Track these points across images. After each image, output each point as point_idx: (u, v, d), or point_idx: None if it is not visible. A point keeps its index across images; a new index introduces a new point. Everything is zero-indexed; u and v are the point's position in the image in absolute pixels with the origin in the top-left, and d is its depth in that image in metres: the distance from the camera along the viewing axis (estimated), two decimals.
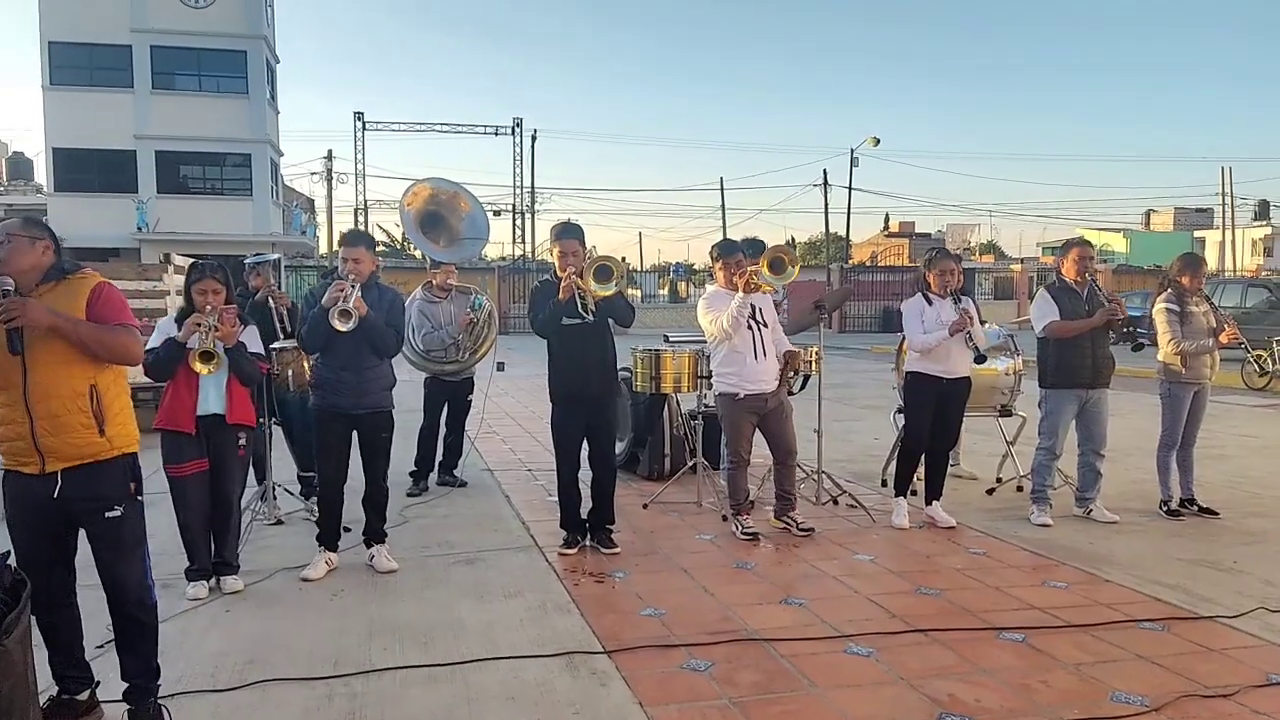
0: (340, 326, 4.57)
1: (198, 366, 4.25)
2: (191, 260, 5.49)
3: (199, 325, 4.29)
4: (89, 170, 30.06)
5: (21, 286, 2.91)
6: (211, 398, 4.52)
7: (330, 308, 4.60)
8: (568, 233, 5.32)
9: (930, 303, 5.84)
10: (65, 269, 3.03)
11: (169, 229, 29.19)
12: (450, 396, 7.07)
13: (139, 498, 3.17)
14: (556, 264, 5.24)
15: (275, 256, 6.56)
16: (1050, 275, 6.46)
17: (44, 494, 2.97)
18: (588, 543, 5.42)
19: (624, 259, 5.38)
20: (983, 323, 7.29)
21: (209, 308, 4.37)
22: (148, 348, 4.45)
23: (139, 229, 29.19)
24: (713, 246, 5.91)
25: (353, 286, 4.64)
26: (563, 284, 5.09)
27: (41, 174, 33.56)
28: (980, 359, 5.67)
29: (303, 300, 5.17)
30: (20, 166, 42.90)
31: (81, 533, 3.17)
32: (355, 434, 4.96)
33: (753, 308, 5.51)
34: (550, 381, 5.35)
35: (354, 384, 4.83)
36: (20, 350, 2.85)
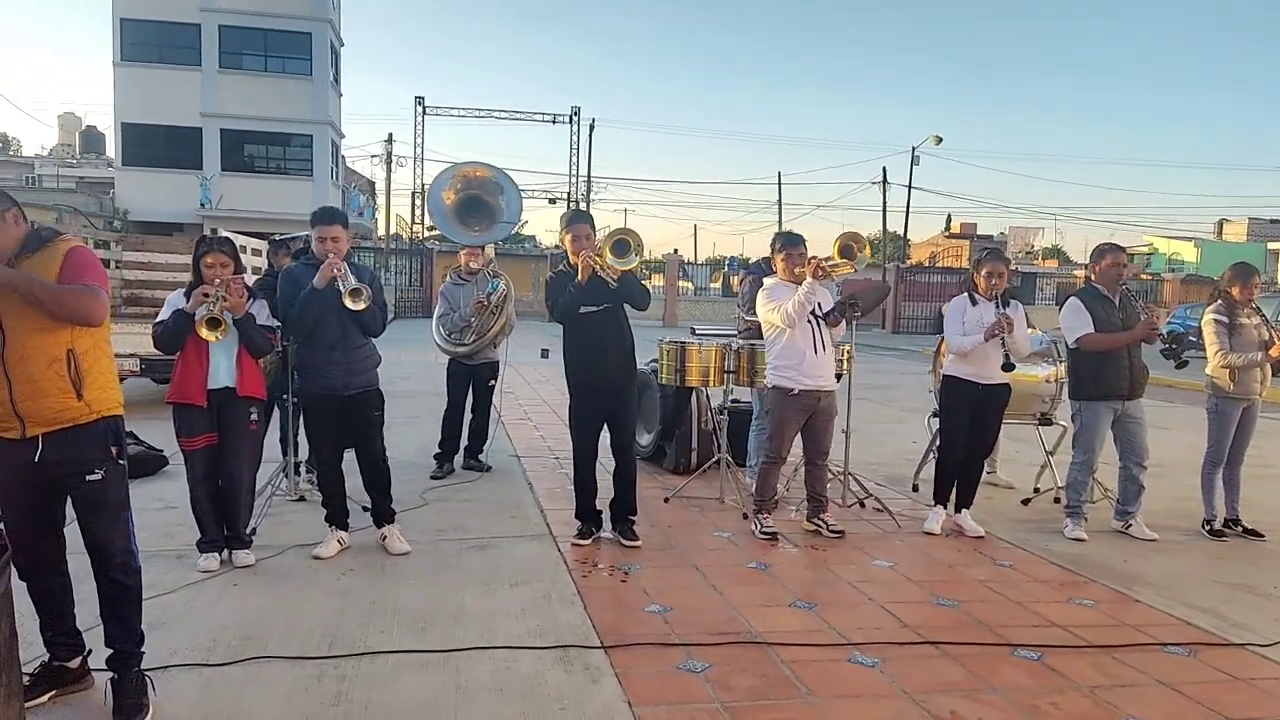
0: (354, 306, 4.56)
1: (204, 333, 4.27)
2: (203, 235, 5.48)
3: (207, 296, 4.31)
4: (156, 146, 30.84)
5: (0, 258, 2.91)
6: (222, 370, 4.53)
7: (322, 288, 4.59)
8: (578, 218, 5.26)
9: (974, 303, 5.66)
10: (43, 237, 3.03)
11: (231, 206, 29.79)
12: (471, 379, 7.04)
13: (121, 461, 3.16)
14: (569, 250, 5.16)
15: (307, 234, 6.57)
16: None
17: (26, 458, 2.99)
18: (607, 534, 5.36)
19: (649, 257, 5.29)
20: (1030, 328, 7.09)
21: (217, 280, 4.38)
22: (157, 320, 4.50)
23: (202, 205, 29.84)
24: (775, 237, 5.79)
25: (346, 267, 4.63)
26: (581, 264, 5.01)
27: (112, 148, 34.44)
28: (1009, 367, 5.46)
29: (280, 281, 5.00)
30: (93, 140, 44.12)
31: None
32: (346, 416, 4.92)
33: (814, 303, 5.38)
34: (568, 371, 5.28)
35: (344, 364, 4.80)
36: None
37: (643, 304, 5.19)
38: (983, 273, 5.68)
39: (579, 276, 5.03)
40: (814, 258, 5.37)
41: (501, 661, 3.61)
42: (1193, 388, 14.10)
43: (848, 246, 5.59)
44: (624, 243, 5.04)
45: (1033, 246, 59.29)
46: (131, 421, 3.37)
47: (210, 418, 4.54)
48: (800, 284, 5.33)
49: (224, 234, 7.85)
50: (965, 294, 5.76)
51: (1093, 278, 5.82)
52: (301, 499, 5.98)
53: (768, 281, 5.68)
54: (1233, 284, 5.79)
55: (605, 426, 5.30)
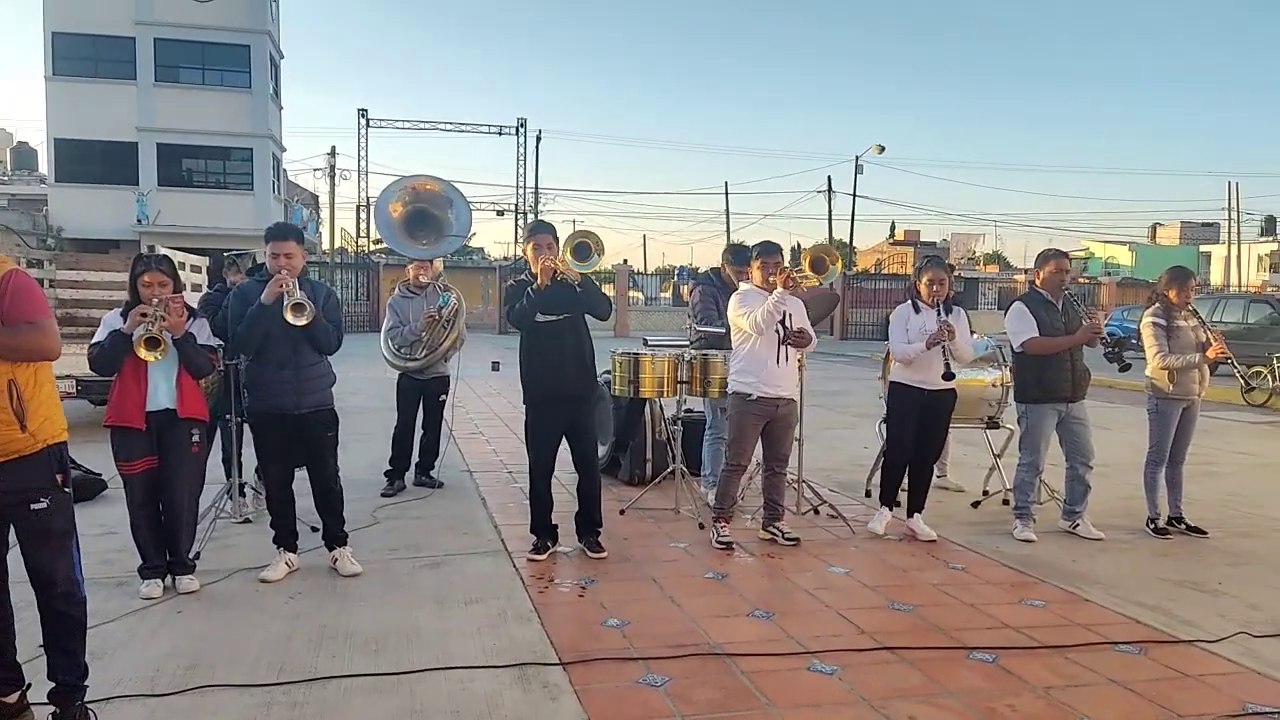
0: (295, 321, 4.46)
1: (142, 353, 4.14)
2: (139, 253, 5.33)
3: (144, 315, 4.19)
4: (91, 162, 30.09)
5: None
6: (161, 391, 4.40)
7: (270, 304, 4.50)
8: (540, 228, 5.25)
9: (917, 310, 5.72)
10: None
11: (169, 222, 29.18)
12: (421, 394, 6.94)
13: (66, 489, 3.06)
14: (530, 259, 5.12)
15: (256, 252, 6.45)
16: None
17: None
18: (562, 548, 5.30)
19: (598, 268, 5.24)
20: (972, 333, 7.18)
21: (155, 300, 4.26)
22: (93, 341, 4.36)
23: (139, 221, 29.17)
24: (751, 246, 5.84)
25: (294, 282, 4.54)
26: (541, 269, 4.96)
27: (44, 164, 33.56)
28: (949, 375, 5.53)
29: (231, 298, 4.94)
30: (25, 157, 42.97)
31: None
32: (298, 436, 4.82)
33: (784, 312, 5.37)
34: (525, 383, 5.22)
35: (294, 383, 4.70)
36: None
37: (604, 313, 5.18)
38: (924, 280, 5.75)
39: (538, 281, 4.99)
40: (785, 268, 5.39)
41: (457, 682, 3.54)
42: (1132, 388, 14.44)
43: (819, 259, 5.63)
44: (584, 245, 5.03)
45: (974, 252, 60.38)
46: (68, 444, 3.25)
47: (150, 441, 4.40)
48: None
49: (162, 252, 7.69)
50: (908, 301, 5.82)
51: (1036, 283, 5.92)
52: (247, 521, 5.84)
53: (743, 286, 5.71)
54: (1170, 287, 5.93)
55: (564, 439, 5.26)
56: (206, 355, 4.57)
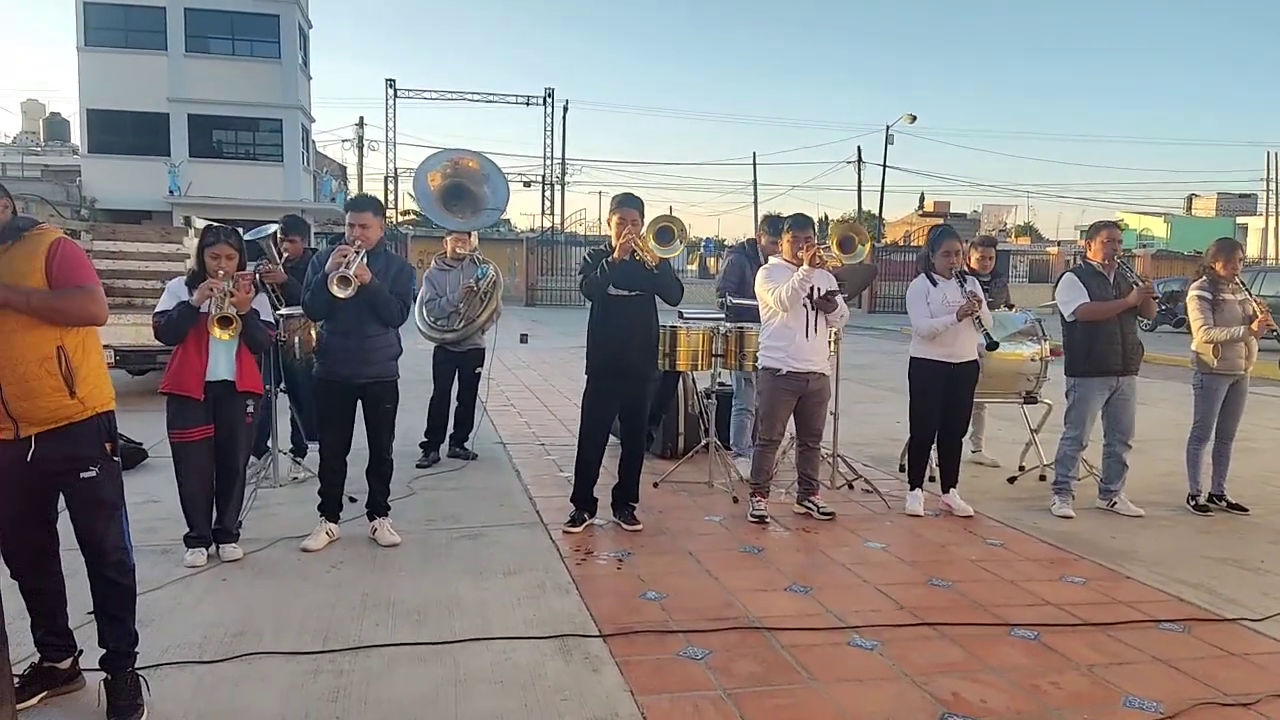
0: (338, 293, 4.47)
1: (217, 332, 4.20)
2: (206, 224, 5.41)
3: (213, 290, 4.23)
4: (122, 132, 30.30)
5: None
6: (222, 364, 4.45)
7: (332, 273, 4.51)
8: (629, 201, 5.20)
9: (935, 284, 5.65)
10: (20, 226, 2.93)
11: (201, 193, 29.35)
12: (457, 366, 6.97)
13: (115, 458, 3.09)
14: (614, 232, 5.13)
15: (274, 229, 6.43)
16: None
17: (18, 458, 2.90)
18: (598, 521, 5.32)
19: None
20: (1010, 307, 7.09)
21: (222, 273, 4.30)
22: (158, 310, 4.41)
23: (171, 192, 29.36)
24: (768, 218, 5.98)
25: (357, 253, 4.54)
26: (620, 243, 4.98)
27: (77, 135, 33.86)
28: (993, 345, 5.46)
29: (309, 265, 5.04)
30: (57, 127, 43.33)
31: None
32: (360, 404, 4.88)
33: (811, 287, 5.34)
34: (589, 353, 5.25)
35: (357, 352, 4.75)
36: None
37: (675, 299, 5.21)
38: (940, 252, 5.67)
39: (614, 255, 5.02)
40: (813, 243, 5.34)
41: (500, 653, 3.57)
42: (1170, 363, 14.26)
43: (848, 238, 5.56)
44: (668, 230, 5.09)
45: (1005, 224, 59.65)
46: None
47: (206, 411, 4.45)
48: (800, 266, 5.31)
49: (202, 222, 7.73)
50: (923, 275, 5.75)
51: (1088, 255, 5.83)
52: (295, 479, 6.00)
53: (771, 260, 5.68)
54: (1217, 259, 5.82)
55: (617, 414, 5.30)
56: (266, 331, 4.62)
